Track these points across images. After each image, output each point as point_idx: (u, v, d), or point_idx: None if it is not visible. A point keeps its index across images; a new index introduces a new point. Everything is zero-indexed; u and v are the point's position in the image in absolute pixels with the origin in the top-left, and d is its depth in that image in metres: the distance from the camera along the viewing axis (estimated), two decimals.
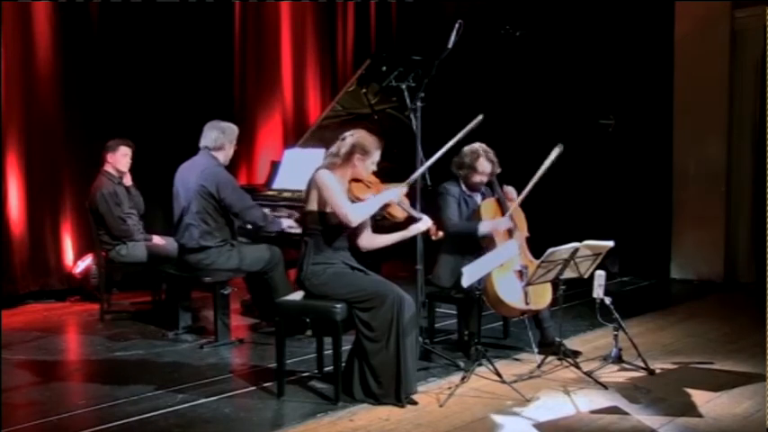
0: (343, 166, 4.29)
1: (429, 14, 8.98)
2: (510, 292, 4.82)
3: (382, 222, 4.68)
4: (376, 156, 4.33)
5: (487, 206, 5.13)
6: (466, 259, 4.83)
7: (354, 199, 4.30)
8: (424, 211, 4.68)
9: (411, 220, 4.45)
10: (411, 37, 8.94)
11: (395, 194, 4.34)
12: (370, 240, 4.47)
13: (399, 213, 4.43)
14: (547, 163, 4.85)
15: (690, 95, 7.76)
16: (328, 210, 4.21)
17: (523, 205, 5.22)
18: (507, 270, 4.85)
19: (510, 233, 5.05)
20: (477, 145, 5.15)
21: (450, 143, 4.60)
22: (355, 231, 4.38)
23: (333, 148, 4.35)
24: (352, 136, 4.31)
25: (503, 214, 5.07)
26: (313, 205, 4.26)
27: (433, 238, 4.53)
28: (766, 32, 5.86)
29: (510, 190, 5.22)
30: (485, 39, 8.44)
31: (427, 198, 5.32)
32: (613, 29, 8.13)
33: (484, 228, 4.99)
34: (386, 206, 4.36)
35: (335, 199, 4.18)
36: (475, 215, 5.13)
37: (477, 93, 8.77)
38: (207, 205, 5.27)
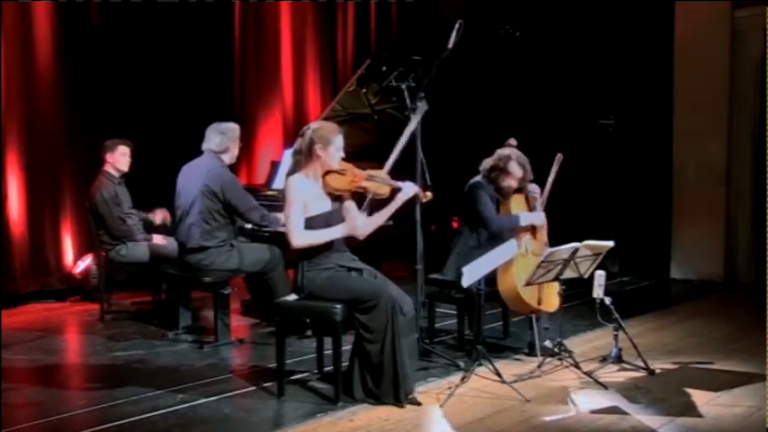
0: (308, 163, 4.24)
1: (429, 14, 8.98)
2: (528, 289, 4.81)
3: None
4: (338, 142, 4.25)
5: (518, 201, 5.15)
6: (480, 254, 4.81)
7: (332, 191, 4.26)
8: (423, 212, 4.69)
9: (396, 191, 4.41)
10: (411, 37, 8.94)
11: (348, 230, 4.26)
12: (364, 227, 4.38)
13: (383, 190, 4.41)
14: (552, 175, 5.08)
15: (690, 95, 7.76)
16: (306, 214, 4.19)
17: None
18: (529, 267, 4.83)
19: (534, 234, 5.08)
20: (509, 150, 5.16)
21: (403, 138, 4.62)
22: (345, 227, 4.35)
23: (295, 146, 4.31)
24: (309, 129, 4.26)
25: (530, 211, 5.12)
26: None
27: (423, 200, 4.52)
28: (766, 32, 5.87)
29: (534, 188, 5.23)
30: (485, 39, 8.44)
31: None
32: (613, 29, 8.13)
33: (525, 219, 5.04)
34: (368, 188, 4.34)
35: (289, 214, 4.16)
36: (503, 207, 5.14)
37: (476, 93, 8.79)
38: (210, 205, 5.27)
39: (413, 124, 4.76)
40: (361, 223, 4.35)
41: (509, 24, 8.72)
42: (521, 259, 4.81)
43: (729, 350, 5.26)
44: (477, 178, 5.20)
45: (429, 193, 4.51)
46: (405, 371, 4.14)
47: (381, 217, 4.38)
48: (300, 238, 4.17)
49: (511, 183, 5.12)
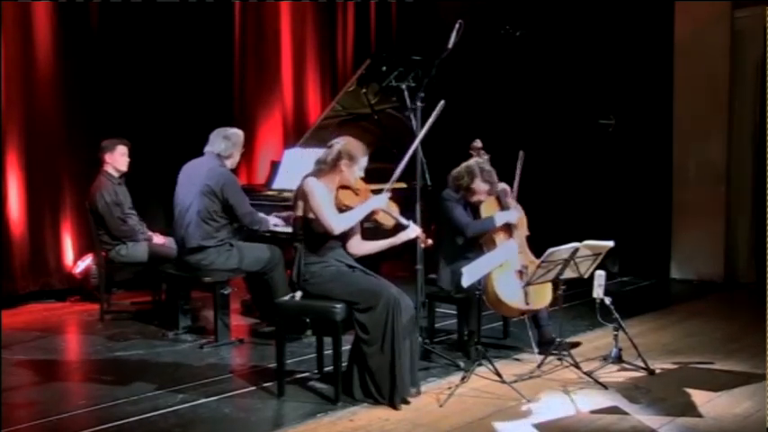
0: (330, 173, 4.32)
1: (429, 14, 8.98)
2: (510, 293, 4.82)
3: (374, 230, 4.70)
4: (363, 162, 4.36)
5: (488, 205, 5.12)
6: (466, 262, 4.82)
7: (341, 206, 4.33)
8: (423, 212, 4.69)
9: (400, 228, 4.48)
10: (411, 37, 8.95)
11: (379, 202, 4.37)
12: (359, 247, 4.49)
13: (387, 221, 4.48)
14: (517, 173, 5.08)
15: (690, 95, 7.76)
16: (314, 216, 4.23)
17: (523, 204, 5.22)
18: (507, 270, 4.85)
19: (510, 232, 5.05)
20: (473, 163, 5.08)
21: (418, 139, 4.64)
22: (344, 238, 4.39)
23: (321, 155, 4.39)
24: (339, 143, 4.35)
25: (502, 209, 5.09)
26: (300, 212, 4.30)
27: (423, 246, 4.58)
28: (766, 32, 5.86)
29: (503, 186, 5.20)
30: (485, 39, 8.44)
31: (427, 198, 5.32)
32: (613, 29, 8.13)
33: (500, 219, 5.00)
34: (373, 213, 4.40)
35: (320, 208, 4.20)
36: (476, 216, 5.11)
37: (477, 93, 8.78)
38: (209, 205, 5.28)
39: (428, 125, 4.71)
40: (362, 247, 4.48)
41: (509, 24, 8.72)
42: (499, 265, 4.77)
43: (729, 350, 5.26)
44: (448, 189, 5.18)
45: (430, 241, 4.58)
46: (403, 375, 4.14)
47: (379, 246, 4.49)
48: (340, 222, 4.22)
49: (479, 198, 5.07)
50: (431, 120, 4.63)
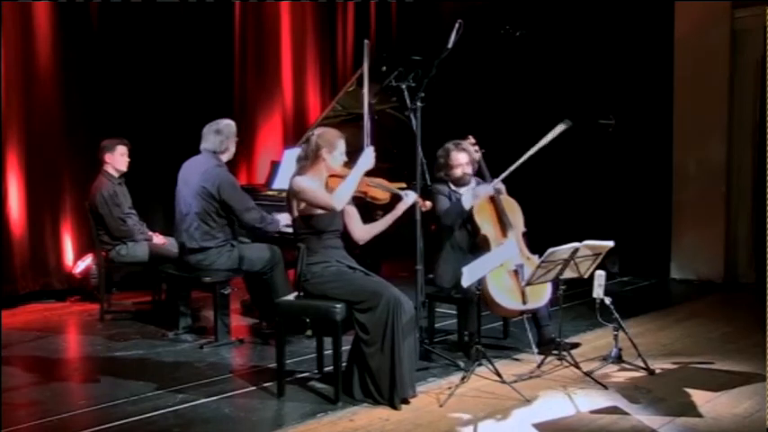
0: (313, 166, 4.36)
1: (429, 14, 8.98)
2: (504, 295, 4.81)
3: (374, 212, 4.71)
4: (341, 146, 4.39)
5: (482, 208, 5.10)
6: (466, 259, 4.83)
7: None
8: (425, 211, 4.70)
9: (396, 199, 4.48)
10: (411, 37, 8.95)
11: (366, 160, 4.34)
12: (365, 231, 4.52)
13: (381, 195, 4.51)
14: (549, 136, 5.04)
15: (690, 95, 7.75)
16: (311, 212, 4.27)
17: (523, 203, 5.21)
18: (501, 272, 4.82)
19: (505, 231, 5.05)
20: (447, 144, 5.21)
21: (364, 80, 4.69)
22: (346, 227, 4.42)
23: (300, 153, 4.44)
24: (313, 134, 4.41)
25: (497, 209, 5.08)
26: (296, 212, 4.33)
27: (423, 209, 4.65)
28: (766, 32, 5.87)
29: (500, 185, 5.22)
30: (485, 39, 8.44)
31: (427, 198, 5.32)
32: (613, 29, 8.13)
33: (467, 200, 5.02)
34: (367, 192, 4.45)
35: (314, 196, 4.25)
36: (469, 217, 5.11)
37: (477, 93, 8.79)
38: (207, 206, 5.28)
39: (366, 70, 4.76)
40: (368, 230, 4.53)
41: (509, 24, 8.72)
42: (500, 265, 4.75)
43: (729, 350, 5.26)
44: (434, 184, 5.26)
45: (428, 203, 4.65)
46: (402, 375, 4.14)
47: (383, 224, 4.54)
48: (337, 196, 4.24)
49: (464, 170, 5.15)
50: (365, 66, 4.67)
